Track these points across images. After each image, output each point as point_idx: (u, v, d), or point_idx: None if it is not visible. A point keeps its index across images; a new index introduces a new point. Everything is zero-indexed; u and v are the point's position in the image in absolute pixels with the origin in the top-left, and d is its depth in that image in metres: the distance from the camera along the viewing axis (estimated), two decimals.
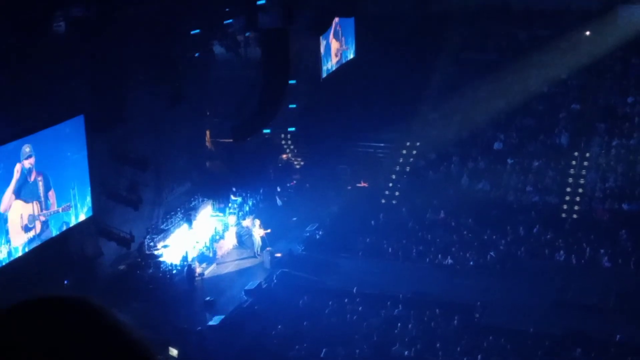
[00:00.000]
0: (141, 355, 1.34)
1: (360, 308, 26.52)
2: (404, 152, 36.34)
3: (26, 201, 21.09)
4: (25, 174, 20.91)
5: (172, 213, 30.21)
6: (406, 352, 24.25)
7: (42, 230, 21.77)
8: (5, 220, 20.45)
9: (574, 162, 33.84)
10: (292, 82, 28.00)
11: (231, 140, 23.50)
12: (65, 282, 23.52)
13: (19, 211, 20.87)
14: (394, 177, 35.31)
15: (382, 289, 27.28)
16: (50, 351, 1.26)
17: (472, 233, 30.74)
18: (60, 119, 21.89)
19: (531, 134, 35.25)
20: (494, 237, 30.36)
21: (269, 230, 30.50)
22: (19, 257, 20.91)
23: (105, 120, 23.75)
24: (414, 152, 36.02)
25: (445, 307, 26.08)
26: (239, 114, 23.06)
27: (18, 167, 20.59)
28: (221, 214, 31.93)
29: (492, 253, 29.33)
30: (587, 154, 34.07)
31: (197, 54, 26.56)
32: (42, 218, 21.74)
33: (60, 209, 22.35)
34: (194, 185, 32.30)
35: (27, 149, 20.86)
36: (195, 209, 31.06)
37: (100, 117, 23.35)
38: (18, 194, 20.69)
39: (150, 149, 28.46)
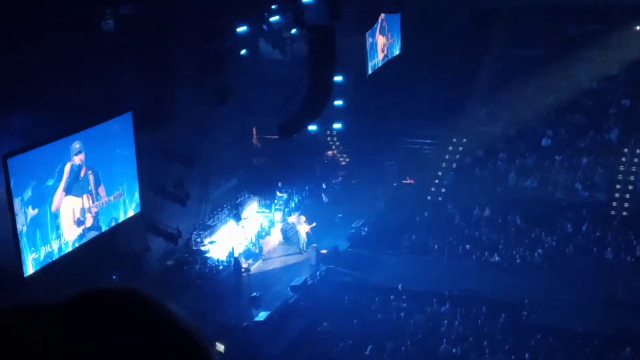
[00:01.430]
0: (196, 347, 1.35)
1: (405, 305, 26.44)
2: (451, 148, 36.12)
3: (77, 195, 21.39)
4: (76, 170, 21.20)
5: (219, 209, 30.42)
6: (453, 350, 24.12)
7: (92, 225, 22.06)
8: (57, 216, 20.75)
9: (623, 159, 33.34)
10: (338, 78, 27.99)
11: (277, 137, 23.52)
12: (114, 277, 23.80)
13: (70, 206, 21.17)
14: (440, 173, 35.12)
15: (428, 286, 27.15)
16: (106, 344, 1.28)
17: (520, 230, 30.46)
18: (109, 116, 22.14)
19: (580, 130, 34.80)
20: (542, 234, 30.04)
21: (314, 224, 30.55)
22: (69, 252, 21.20)
23: (153, 118, 23.98)
24: (461, 148, 35.78)
25: (492, 305, 25.88)
26: (285, 111, 23.09)
27: (68, 166, 20.88)
28: (267, 210, 32.06)
29: (539, 250, 29.03)
30: (638, 150, 33.53)
31: (243, 52, 26.67)
32: (94, 209, 22.01)
33: (111, 198, 22.59)
34: (240, 182, 32.49)
35: (77, 145, 21.14)
36: (241, 205, 31.24)
37: (148, 114, 23.57)
38: (69, 190, 20.99)
39: (197, 145, 28.67)
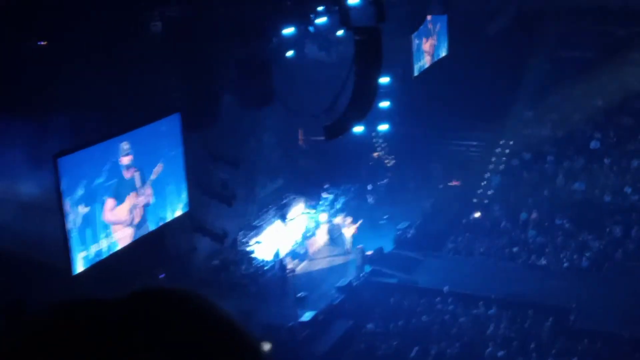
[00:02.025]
0: (250, 347, 1.35)
1: (451, 307, 26.27)
2: (498, 150, 35.83)
3: (124, 200, 21.62)
4: (123, 173, 21.41)
5: (265, 210, 30.55)
6: (499, 353, 23.91)
7: (140, 223, 22.27)
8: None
9: None
10: (384, 80, 27.93)
11: (323, 138, 23.53)
12: (161, 276, 24.02)
13: (120, 212, 21.46)
14: (487, 175, 34.87)
15: (474, 289, 26.95)
16: (163, 342, 1.28)
17: (567, 234, 30.09)
18: (157, 117, 22.35)
19: (630, 133, 34.26)
20: (590, 238, 29.63)
21: (360, 222, 30.51)
22: (118, 251, 21.44)
23: (199, 119, 24.15)
24: (507, 150, 35.47)
25: (538, 309, 25.60)
26: (331, 112, 23.09)
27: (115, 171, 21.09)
28: (313, 211, 32.10)
29: (587, 254, 28.64)
30: None
31: (289, 53, 26.74)
32: (141, 204, 22.15)
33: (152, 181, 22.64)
34: (286, 183, 32.59)
35: (125, 146, 21.36)
36: (287, 206, 31.33)
37: (195, 116, 23.75)
38: (117, 196, 21.23)
39: (242, 146, 28.85)
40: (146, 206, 22.37)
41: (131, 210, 21.93)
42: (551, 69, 37.52)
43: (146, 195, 22.38)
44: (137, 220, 22.15)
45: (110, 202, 21.00)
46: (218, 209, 27.04)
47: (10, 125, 19.03)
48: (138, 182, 22.06)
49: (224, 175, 27.25)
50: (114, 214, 21.27)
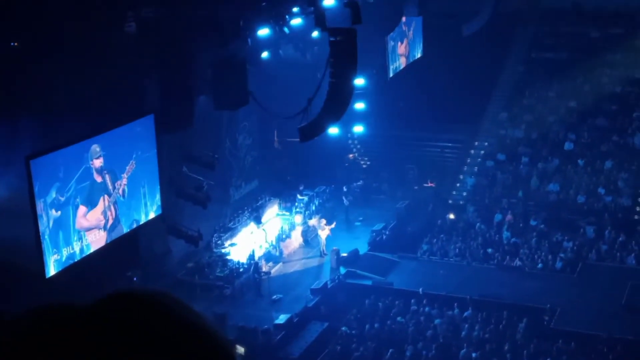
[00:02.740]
0: (223, 348, 1.37)
1: (426, 309, 26.35)
2: (472, 152, 36.00)
3: (96, 205, 21.50)
4: (93, 178, 21.29)
5: (240, 212, 30.51)
6: (474, 354, 24.03)
7: (114, 225, 22.17)
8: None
9: None
10: (359, 81, 27.97)
11: (298, 139, 23.54)
12: (135, 279, 23.93)
13: (92, 217, 21.35)
14: (461, 177, 35.02)
15: (449, 291, 27.05)
16: (137, 344, 1.29)
17: (541, 235, 30.30)
18: (130, 119, 22.25)
19: (603, 134, 34.56)
20: (564, 239, 29.86)
21: (334, 224, 30.55)
22: (91, 254, 21.33)
23: (174, 120, 24.08)
24: (482, 152, 35.64)
25: (513, 310, 25.73)
26: (306, 113, 23.11)
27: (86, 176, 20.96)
28: (288, 213, 32.09)
29: (561, 255, 28.86)
30: None
31: (264, 55, 26.75)
32: (113, 206, 22.04)
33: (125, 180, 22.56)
34: (261, 184, 32.57)
35: (97, 148, 21.24)
36: (262, 207, 31.31)
37: (170, 117, 23.67)
38: (88, 203, 21.11)
39: (217, 148, 28.79)
40: (116, 198, 22.15)
41: (104, 213, 21.83)
42: (525, 70, 37.79)
43: (119, 189, 22.20)
44: (110, 222, 22.05)
45: (82, 209, 20.90)
46: (193, 211, 26.97)
47: None
48: (110, 185, 21.96)
49: (198, 177, 27.18)
50: (87, 220, 21.18)
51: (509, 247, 29.90)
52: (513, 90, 37.18)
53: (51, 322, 1.31)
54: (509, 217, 31.58)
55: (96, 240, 21.55)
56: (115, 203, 22.14)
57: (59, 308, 1.34)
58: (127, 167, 22.33)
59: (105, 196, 21.84)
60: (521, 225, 31.12)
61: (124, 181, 22.32)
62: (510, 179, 33.79)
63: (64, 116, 20.33)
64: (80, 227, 20.89)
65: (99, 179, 21.54)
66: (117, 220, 22.31)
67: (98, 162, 21.35)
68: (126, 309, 1.33)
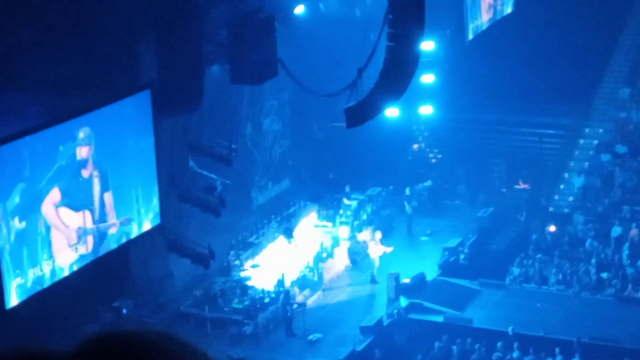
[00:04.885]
0: None
1: (517, 355, 26.30)
2: (582, 142, 35.80)
3: (75, 209, 21.64)
4: (78, 168, 21.44)
5: (265, 222, 30.59)
6: None
7: (95, 246, 22.32)
8: (48, 230, 21.02)
9: None
10: (428, 45, 27.92)
11: (344, 125, 23.56)
12: (124, 311, 24.09)
13: (66, 221, 21.45)
14: (566, 176, 34.84)
15: (548, 331, 26.97)
16: None
17: None
18: (120, 96, 22.37)
19: None
20: None
21: (391, 249, 30.53)
22: (65, 278, 21.48)
23: (177, 98, 24.19)
24: (595, 142, 35.43)
25: (636, 357, 25.60)
26: (355, 89, 23.11)
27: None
28: (330, 224, 32.13)
29: None
30: None
31: (299, 10, 26.80)
32: (95, 232, 22.29)
33: (118, 222, 22.86)
34: (293, 185, 32.63)
35: (82, 134, 21.34)
36: (294, 216, 31.36)
37: (172, 93, 23.78)
38: (66, 196, 21.23)
39: (235, 135, 28.87)
40: (102, 230, 22.39)
41: (84, 233, 21.94)
42: None
43: (105, 207, 22.42)
44: (90, 244, 22.16)
45: (56, 194, 20.93)
46: (201, 220, 27.10)
47: None
48: (96, 195, 22.08)
49: (209, 175, 27.31)
50: (62, 214, 21.23)
51: (633, 272, 29.69)
52: (638, 59, 36.90)
53: None
54: (633, 231, 31.33)
55: (71, 263, 21.69)
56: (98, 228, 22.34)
57: (29, 356, 1.33)
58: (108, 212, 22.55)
59: (87, 212, 21.98)
60: None
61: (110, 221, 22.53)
62: (635, 179, 33.55)
63: (35, 93, 20.47)
64: (50, 220, 20.91)
65: (86, 174, 21.71)
66: (96, 243, 22.41)
67: (85, 152, 21.51)
68: (112, 358, 1.32)
